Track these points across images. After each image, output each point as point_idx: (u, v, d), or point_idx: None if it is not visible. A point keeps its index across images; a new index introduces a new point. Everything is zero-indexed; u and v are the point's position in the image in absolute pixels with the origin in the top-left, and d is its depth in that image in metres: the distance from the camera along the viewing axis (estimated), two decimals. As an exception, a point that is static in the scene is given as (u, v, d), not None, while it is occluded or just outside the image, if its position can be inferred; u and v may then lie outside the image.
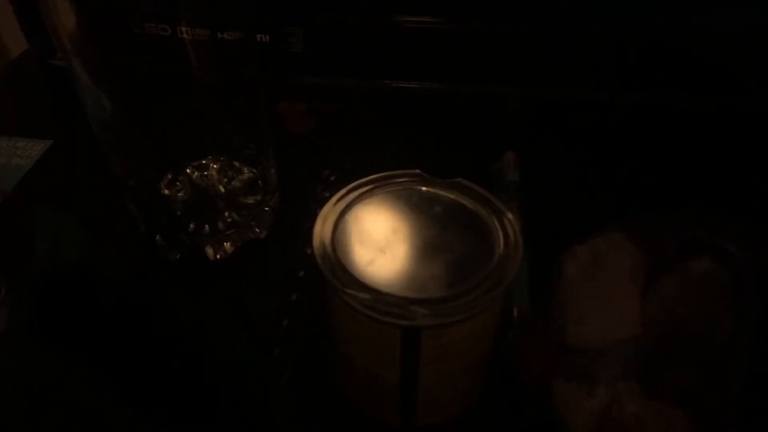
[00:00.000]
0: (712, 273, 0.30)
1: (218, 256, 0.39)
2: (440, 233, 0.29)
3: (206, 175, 0.39)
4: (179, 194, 0.38)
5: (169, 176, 0.39)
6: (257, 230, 0.40)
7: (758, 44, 0.38)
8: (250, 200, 0.39)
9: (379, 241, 0.29)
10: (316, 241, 0.29)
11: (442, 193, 0.31)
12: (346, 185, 0.31)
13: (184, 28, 0.32)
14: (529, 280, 0.35)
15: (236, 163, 0.40)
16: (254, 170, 0.40)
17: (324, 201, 0.31)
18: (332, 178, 0.43)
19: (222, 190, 0.39)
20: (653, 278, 0.31)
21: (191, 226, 0.38)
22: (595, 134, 0.44)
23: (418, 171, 0.31)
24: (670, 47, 0.39)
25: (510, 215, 0.30)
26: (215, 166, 0.39)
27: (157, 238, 0.38)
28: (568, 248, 0.33)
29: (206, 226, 0.38)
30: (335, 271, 0.28)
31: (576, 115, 0.43)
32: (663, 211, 0.33)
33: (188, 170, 0.39)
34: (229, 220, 0.39)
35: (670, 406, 0.28)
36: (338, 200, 0.31)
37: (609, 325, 0.30)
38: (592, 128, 0.43)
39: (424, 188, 0.31)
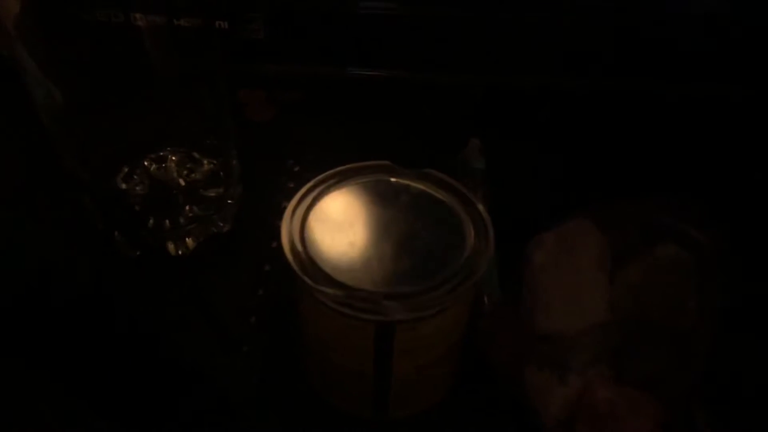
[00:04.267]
0: (676, 258, 0.31)
1: (180, 252, 0.37)
2: (411, 225, 0.29)
3: (165, 168, 0.38)
4: (137, 188, 0.37)
5: (126, 169, 0.37)
6: (220, 224, 0.39)
7: (722, 29, 0.39)
8: (212, 193, 0.38)
9: (349, 234, 0.28)
10: (284, 238, 0.28)
11: (412, 184, 0.30)
12: (310, 175, 0.31)
13: (138, 15, 0.31)
14: (498, 269, 0.35)
15: (196, 155, 0.38)
16: (215, 161, 0.38)
17: (288, 192, 0.30)
18: (296, 169, 0.43)
19: (182, 183, 0.37)
20: (619, 264, 0.31)
21: (151, 221, 0.37)
22: (560, 121, 0.44)
23: (387, 162, 0.31)
24: (634, 34, 0.40)
25: (481, 206, 0.29)
26: (174, 158, 0.38)
27: (116, 234, 0.37)
28: (535, 236, 0.33)
29: (166, 220, 0.37)
30: (305, 266, 0.27)
31: (540, 103, 0.44)
32: (628, 197, 0.33)
33: (146, 163, 0.37)
34: (191, 214, 0.37)
35: (639, 391, 0.28)
36: (306, 193, 0.30)
37: (578, 312, 0.31)
38: (556, 115, 0.44)
39: (393, 179, 0.31)
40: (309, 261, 0.27)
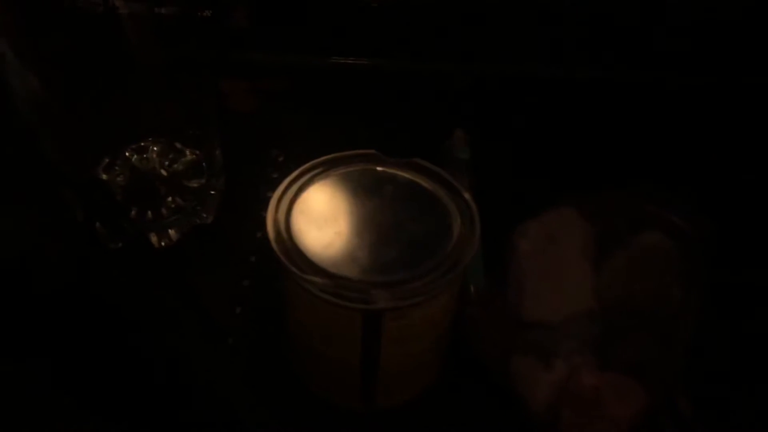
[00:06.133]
0: (660, 246, 0.31)
1: (163, 244, 0.37)
2: (397, 214, 0.29)
3: (146, 158, 0.37)
4: (118, 179, 0.36)
5: (107, 160, 0.37)
6: (203, 215, 0.38)
7: (705, 19, 0.39)
8: (195, 183, 0.38)
9: (335, 223, 0.28)
10: (270, 227, 0.28)
11: (398, 172, 0.30)
12: (295, 166, 0.31)
13: (118, 3, 0.30)
14: (483, 258, 0.35)
15: (178, 145, 0.38)
16: (197, 152, 0.38)
17: (273, 183, 0.30)
18: (280, 159, 0.42)
19: (164, 173, 0.37)
20: (605, 252, 0.32)
21: (133, 212, 0.36)
22: (545, 110, 0.44)
23: (372, 151, 0.31)
24: (620, 22, 0.40)
25: (467, 195, 0.29)
26: (156, 149, 0.37)
27: (97, 226, 0.36)
28: (521, 225, 0.33)
29: (149, 211, 0.36)
30: (292, 256, 0.27)
31: (525, 92, 0.44)
32: (613, 186, 0.33)
33: (127, 153, 0.37)
34: (173, 205, 0.37)
35: (623, 376, 0.29)
36: (291, 183, 0.30)
37: (563, 300, 0.31)
38: (541, 104, 0.44)
39: (379, 168, 0.31)
40: (295, 251, 0.27)
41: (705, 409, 0.30)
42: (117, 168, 0.37)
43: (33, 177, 0.37)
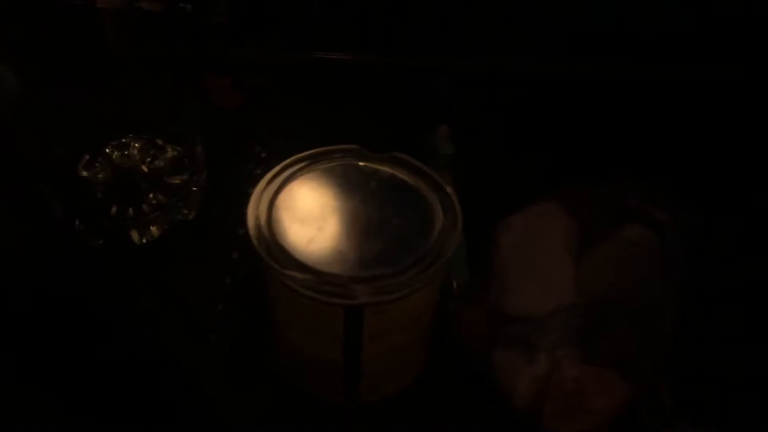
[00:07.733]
0: (641, 239, 0.31)
1: (144, 241, 0.37)
2: (379, 209, 0.29)
3: (127, 155, 0.37)
4: (99, 176, 0.36)
5: (87, 157, 0.36)
6: (185, 211, 0.38)
7: (682, 13, 0.39)
8: (176, 180, 0.37)
9: (317, 219, 0.28)
10: (250, 222, 0.28)
11: (380, 168, 0.30)
12: (278, 162, 0.30)
13: (98, -3, 0.30)
14: (466, 252, 0.35)
15: (159, 141, 0.38)
16: (179, 148, 0.38)
17: (255, 179, 0.29)
18: (263, 155, 0.42)
19: (145, 169, 0.37)
20: (586, 246, 0.32)
21: (113, 209, 0.36)
22: (527, 106, 0.44)
23: (354, 146, 0.31)
24: (602, 18, 0.40)
25: (449, 189, 0.29)
26: (137, 145, 0.37)
27: (77, 223, 0.36)
28: (503, 219, 0.33)
29: (130, 208, 0.36)
30: (273, 252, 0.27)
31: (508, 87, 0.44)
32: (594, 180, 0.34)
33: (108, 150, 0.37)
34: (154, 201, 0.37)
35: (606, 370, 0.29)
36: (272, 178, 0.30)
37: (545, 294, 0.31)
38: (524, 100, 0.44)
39: (361, 163, 0.30)
40: (276, 246, 0.27)
41: (686, 402, 0.30)
42: (97, 165, 0.36)
43: (10, 174, 0.37)
